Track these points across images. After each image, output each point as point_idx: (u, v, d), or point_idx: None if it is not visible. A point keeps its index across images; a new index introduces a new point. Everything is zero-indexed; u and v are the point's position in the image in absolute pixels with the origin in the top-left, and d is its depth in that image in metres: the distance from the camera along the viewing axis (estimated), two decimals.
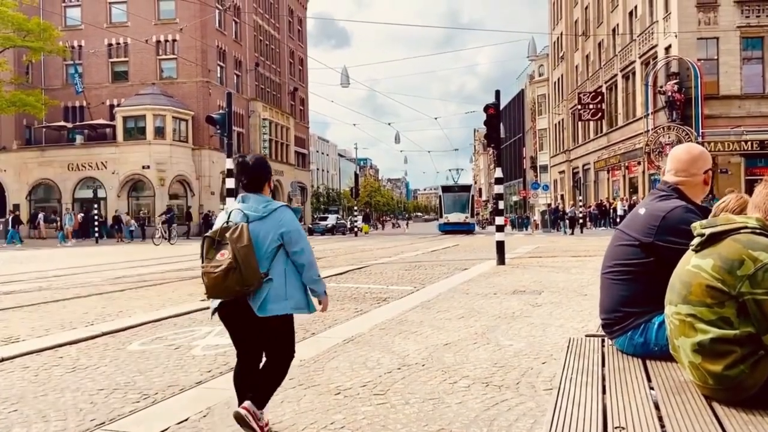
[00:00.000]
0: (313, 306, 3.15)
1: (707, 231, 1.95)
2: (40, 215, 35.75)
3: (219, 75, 43.48)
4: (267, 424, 3.02)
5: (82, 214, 36.60)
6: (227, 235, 2.98)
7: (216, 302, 3.06)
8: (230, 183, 10.67)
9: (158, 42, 41.21)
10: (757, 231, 1.91)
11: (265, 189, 3.20)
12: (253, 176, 3.17)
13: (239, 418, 2.88)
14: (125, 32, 40.28)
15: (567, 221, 34.47)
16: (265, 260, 2.98)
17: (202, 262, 3.05)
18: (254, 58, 48.63)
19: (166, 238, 28.81)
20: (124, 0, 41.30)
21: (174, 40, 41.13)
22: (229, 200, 10.75)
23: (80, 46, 41.65)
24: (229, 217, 3.09)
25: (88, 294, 9.17)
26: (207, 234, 3.11)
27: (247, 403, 2.93)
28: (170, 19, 41.15)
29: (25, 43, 33.13)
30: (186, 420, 3.31)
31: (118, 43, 41.20)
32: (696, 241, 1.99)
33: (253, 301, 2.95)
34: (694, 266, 1.95)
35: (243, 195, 3.17)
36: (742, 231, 1.90)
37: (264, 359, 3.11)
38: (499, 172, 13.19)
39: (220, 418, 3.34)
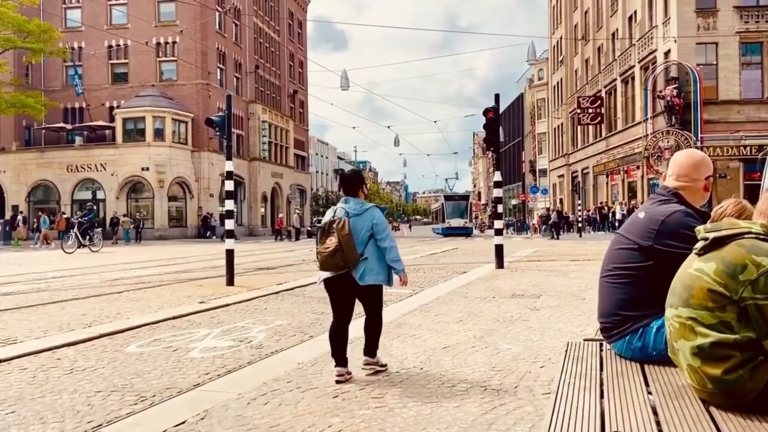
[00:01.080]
0: (393, 281, 4.37)
1: (711, 235, 1.96)
2: (20, 217, 35.48)
3: (219, 77, 43.51)
4: (383, 365, 4.38)
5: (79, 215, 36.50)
6: (334, 226, 4.15)
7: (324, 276, 4.22)
8: (229, 185, 10.65)
9: (158, 44, 41.26)
10: (761, 236, 1.91)
11: (359, 193, 4.36)
12: (351, 185, 4.35)
13: (338, 381, 4.07)
14: (125, 34, 40.33)
15: (550, 225, 34.48)
16: (360, 245, 4.16)
17: (317, 246, 4.24)
18: (254, 60, 48.67)
19: (84, 245, 23.80)
20: (124, 2, 41.37)
21: (174, 42, 41.17)
22: (228, 202, 10.74)
23: (80, 48, 41.69)
24: (335, 214, 4.25)
25: (86, 296, 9.16)
26: (319, 225, 4.30)
27: (338, 369, 4.13)
28: (170, 21, 41.20)
29: (25, 45, 33.16)
30: (183, 423, 3.30)
31: (118, 45, 41.25)
32: (699, 244, 2.00)
33: (355, 273, 4.15)
34: (696, 270, 1.95)
35: (345, 198, 4.35)
36: (746, 236, 1.90)
37: (365, 321, 4.37)
38: (498, 176, 13.20)
39: (218, 420, 3.34)
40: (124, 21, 41.25)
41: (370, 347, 4.38)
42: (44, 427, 3.33)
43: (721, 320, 1.87)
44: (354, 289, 4.21)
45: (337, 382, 4.04)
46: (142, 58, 40.96)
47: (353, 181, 4.37)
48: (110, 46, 41.58)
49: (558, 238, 30.63)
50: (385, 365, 4.40)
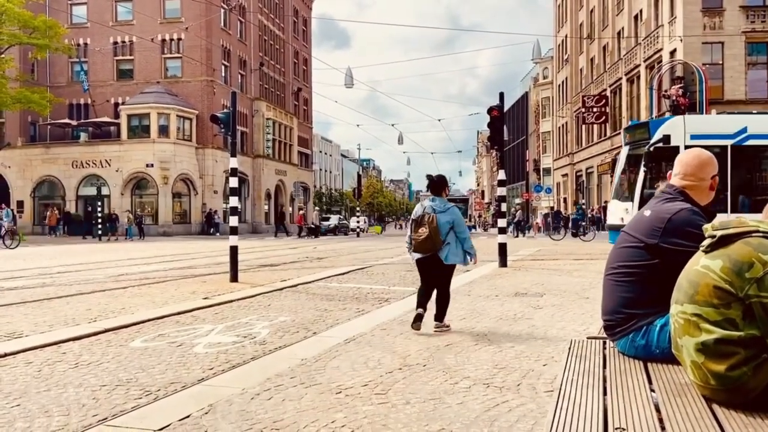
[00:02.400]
0: (468, 261, 5.91)
1: (719, 233, 1.96)
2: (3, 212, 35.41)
3: (223, 74, 43.57)
4: (448, 326, 5.76)
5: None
6: (425, 219, 5.68)
7: (416, 256, 5.77)
8: (233, 182, 10.67)
9: (163, 41, 41.33)
10: None
11: (443, 194, 5.88)
12: (438, 187, 5.86)
13: (416, 327, 5.59)
14: (131, 30, 40.41)
15: (515, 225, 34.44)
16: (443, 234, 5.63)
17: (411, 234, 5.77)
18: (259, 57, 48.69)
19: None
20: None
21: (179, 39, 41.23)
22: (232, 199, 10.76)
23: (86, 44, 41.79)
24: (424, 210, 5.75)
25: (91, 291, 9.20)
26: (413, 218, 5.83)
27: (419, 310, 5.66)
28: (175, 18, 41.26)
29: (30, 41, 33.26)
30: (188, 417, 3.32)
31: (124, 42, 41.33)
32: (707, 242, 2.00)
33: (441, 255, 5.66)
34: (703, 266, 1.96)
35: (432, 197, 5.84)
36: (753, 234, 1.91)
37: (437, 293, 5.80)
38: (502, 175, 13.20)
39: (222, 415, 3.35)
40: (129, 17, 41.33)
41: (440, 314, 5.75)
42: (49, 420, 3.36)
43: (726, 317, 1.88)
44: (437, 267, 5.73)
45: (417, 316, 5.60)
46: (147, 54, 41.04)
47: (439, 184, 5.89)
48: (115, 43, 41.67)
49: (557, 237, 30.52)
50: (449, 326, 5.77)
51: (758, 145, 15.67)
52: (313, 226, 39.26)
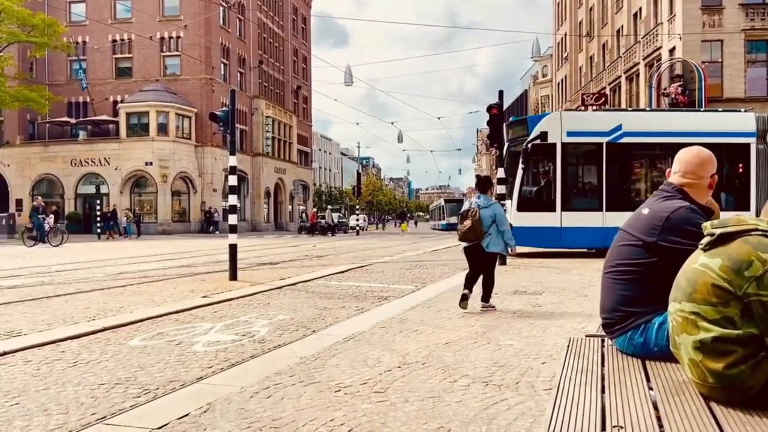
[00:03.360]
0: (507, 251, 7.11)
1: (718, 231, 1.96)
2: None
3: (222, 72, 43.53)
4: (493, 306, 6.79)
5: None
6: (469, 213, 6.70)
7: (463, 245, 6.89)
8: (232, 180, 10.66)
9: (162, 38, 41.29)
10: None
11: (488, 192, 6.98)
12: (484, 186, 7.02)
13: (462, 306, 6.71)
14: (129, 28, 40.39)
15: None
16: (486, 226, 6.66)
17: (459, 226, 6.90)
18: (258, 55, 48.64)
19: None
20: None
21: (178, 37, 41.19)
22: (231, 197, 10.75)
23: (84, 42, 41.73)
24: (470, 205, 6.79)
25: (90, 289, 9.20)
26: (461, 212, 6.90)
27: (467, 303, 6.71)
28: (174, 16, 41.21)
29: (29, 39, 33.22)
30: (186, 415, 3.32)
31: (122, 40, 41.30)
32: (705, 240, 2.00)
33: (483, 243, 6.71)
34: (701, 265, 1.95)
35: (478, 194, 6.96)
36: (753, 233, 1.91)
37: (482, 278, 6.88)
38: (501, 173, 13.19)
39: (221, 413, 3.35)
40: (128, 15, 41.28)
41: (485, 296, 6.85)
42: (48, 418, 3.35)
43: (724, 316, 1.88)
44: (480, 254, 6.80)
45: (463, 296, 6.72)
46: (146, 52, 41.00)
47: (484, 184, 7.07)
48: (114, 41, 41.63)
49: None
50: (494, 306, 6.78)
51: (632, 143, 15.42)
52: (326, 224, 39.46)
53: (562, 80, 54.57)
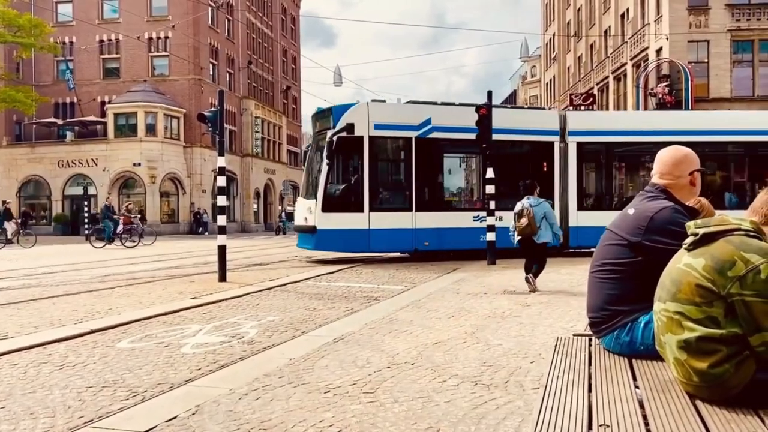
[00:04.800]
0: (557, 242, 8.74)
1: (701, 231, 1.97)
2: None
3: (211, 73, 43.33)
4: (536, 288, 8.25)
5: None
6: (524, 211, 8.30)
7: (518, 238, 8.49)
8: (221, 181, 10.62)
9: (150, 39, 41.02)
10: (751, 233, 1.93)
11: (534, 193, 8.60)
12: (530, 188, 8.72)
13: (527, 281, 8.39)
14: (117, 29, 40.11)
15: None
16: (538, 221, 8.26)
17: (515, 222, 8.47)
18: (247, 56, 48.48)
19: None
20: None
21: (166, 37, 40.95)
22: (220, 198, 10.71)
23: (71, 43, 41.38)
24: (523, 205, 8.37)
25: (78, 291, 9.13)
26: (515, 212, 8.50)
27: (530, 276, 8.37)
28: (162, 16, 40.95)
29: (15, 39, 32.90)
30: (175, 418, 3.31)
31: (110, 40, 40.99)
32: (689, 240, 2.01)
33: (535, 237, 8.33)
34: (685, 265, 1.97)
35: (527, 196, 8.59)
36: (735, 233, 1.92)
37: (537, 263, 8.55)
38: (490, 173, 13.23)
39: (209, 415, 3.34)
40: (115, 15, 40.99)
41: (536, 274, 8.45)
42: (35, 422, 3.33)
43: (708, 315, 1.89)
44: (532, 245, 8.45)
45: (526, 279, 8.41)
46: (133, 53, 40.72)
47: (531, 186, 8.81)
48: (102, 41, 41.29)
49: None
50: (537, 289, 8.28)
51: (442, 138, 14.67)
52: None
53: (550, 80, 54.81)
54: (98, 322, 6.42)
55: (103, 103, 40.64)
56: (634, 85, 33.36)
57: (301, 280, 10.41)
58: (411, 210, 14.33)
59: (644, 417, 1.80)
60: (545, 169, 15.41)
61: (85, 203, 35.10)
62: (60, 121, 40.82)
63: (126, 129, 39.20)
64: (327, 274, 11.61)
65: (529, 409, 3.28)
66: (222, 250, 10.47)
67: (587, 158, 15.91)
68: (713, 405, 1.89)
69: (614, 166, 16.49)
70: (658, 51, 31.09)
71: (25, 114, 38.30)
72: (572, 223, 15.37)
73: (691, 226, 2.05)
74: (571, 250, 15.54)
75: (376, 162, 14.50)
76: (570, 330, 5.38)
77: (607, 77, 38.72)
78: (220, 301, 7.93)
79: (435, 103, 15.71)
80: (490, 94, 13.72)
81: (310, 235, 14.12)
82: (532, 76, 62.22)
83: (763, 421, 1.77)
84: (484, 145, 13.19)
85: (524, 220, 8.28)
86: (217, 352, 4.99)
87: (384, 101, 15.95)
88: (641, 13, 33.88)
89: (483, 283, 9.59)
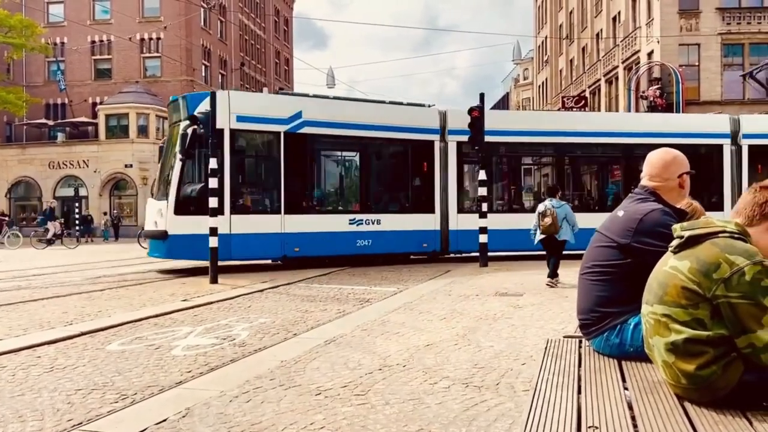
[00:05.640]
0: (575, 239, 9.33)
1: (686, 233, 1.98)
2: None
3: (204, 74, 43.21)
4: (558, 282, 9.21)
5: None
6: (547, 212, 9.17)
7: (540, 237, 9.36)
8: (213, 183, 10.57)
9: (142, 40, 40.87)
10: (735, 235, 1.94)
11: (556, 196, 9.60)
12: (553, 191, 9.78)
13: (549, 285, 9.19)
14: (109, 29, 39.92)
15: None
16: (560, 221, 9.17)
17: (537, 222, 9.31)
18: (239, 57, 48.39)
19: None
20: None
21: (158, 38, 40.81)
22: (212, 200, 10.66)
23: (63, 43, 41.17)
24: (545, 207, 9.27)
25: (68, 293, 9.07)
26: (539, 212, 9.33)
27: (548, 279, 9.25)
28: (154, 17, 40.82)
29: (6, 40, 32.71)
30: (165, 420, 3.29)
31: (102, 41, 40.80)
32: (675, 242, 2.03)
33: (557, 235, 9.21)
34: (671, 267, 1.98)
35: (549, 198, 9.50)
36: (720, 235, 1.93)
37: (554, 259, 9.34)
38: (483, 175, 13.25)
39: (200, 418, 3.33)
40: (107, 16, 40.83)
41: (552, 272, 9.25)
42: (23, 425, 3.30)
43: (695, 317, 1.91)
44: (555, 242, 9.28)
45: (549, 283, 9.21)
46: (125, 54, 40.55)
47: (554, 189, 9.89)
48: (93, 42, 41.11)
49: None
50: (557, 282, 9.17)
51: (315, 134, 13.27)
52: None
53: (543, 83, 55.00)
54: (88, 324, 6.38)
55: (94, 104, 40.45)
56: (626, 88, 33.54)
57: (294, 282, 10.40)
58: (280, 213, 12.97)
59: (633, 418, 1.81)
60: (425, 169, 14.57)
61: (77, 205, 34.91)
62: (51, 122, 40.58)
63: (117, 130, 39.02)
64: (319, 276, 11.60)
65: (519, 410, 3.28)
66: (214, 251, 10.44)
67: (468, 159, 14.90)
68: (701, 406, 1.91)
69: (498, 167, 15.81)
70: (650, 54, 31.27)
71: (16, 115, 38.06)
72: (452, 226, 14.59)
73: (677, 228, 2.07)
74: (451, 255, 14.92)
75: (239, 158, 13.02)
76: (561, 332, 5.39)
77: (599, 80, 38.91)
78: (211, 303, 7.90)
79: (307, 95, 14.39)
80: (482, 96, 13.74)
81: (161, 241, 12.41)
82: (525, 79, 62.42)
83: (750, 423, 1.78)
84: (476, 148, 13.18)
85: (548, 220, 9.15)
86: (208, 354, 4.98)
87: (250, 92, 15.16)
88: (633, 16, 34.07)
89: (475, 285, 9.60)
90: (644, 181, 2.70)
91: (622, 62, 34.88)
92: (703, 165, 15.61)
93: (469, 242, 14.05)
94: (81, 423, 3.31)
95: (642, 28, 32.15)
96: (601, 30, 39.08)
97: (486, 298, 7.96)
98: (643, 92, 30.61)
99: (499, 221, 14.17)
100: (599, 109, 39.22)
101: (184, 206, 12.24)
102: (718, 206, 15.10)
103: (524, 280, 10.10)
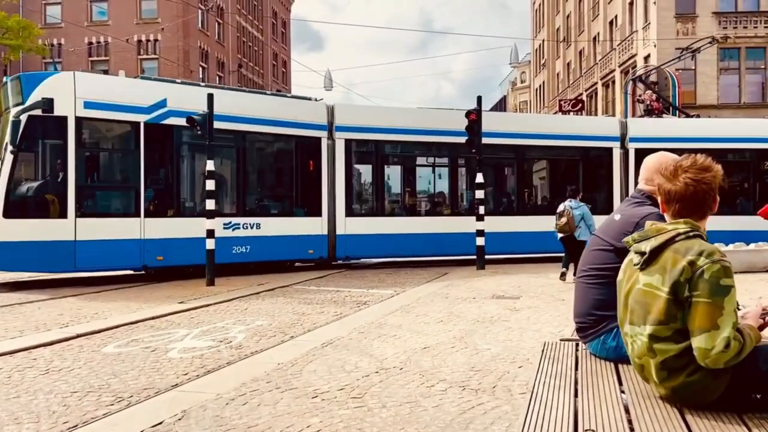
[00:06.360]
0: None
1: (647, 248, 2.00)
2: None
3: (201, 76, 43.15)
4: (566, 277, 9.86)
5: None
6: (564, 212, 9.96)
7: (559, 235, 10.02)
8: (210, 185, 10.56)
9: (139, 41, 40.83)
10: (691, 234, 1.96)
11: (576, 197, 10.32)
12: (573, 193, 10.56)
13: (562, 279, 10.09)
14: (106, 31, 39.86)
15: None
16: (576, 221, 9.80)
17: (556, 221, 10.10)
18: (237, 59, 48.39)
19: None
20: None
21: (156, 40, 40.78)
22: (209, 202, 10.64)
23: (60, 45, 41.11)
24: (564, 207, 10.02)
25: (63, 295, 9.04)
26: (558, 212, 10.16)
27: (563, 278, 10.01)
28: (152, 19, 40.79)
29: (3, 41, 32.62)
30: (160, 423, 3.28)
31: (99, 42, 40.73)
32: (637, 259, 2.04)
33: (575, 234, 9.77)
34: (645, 285, 1.99)
35: (570, 199, 10.21)
36: (677, 239, 1.95)
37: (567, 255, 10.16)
38: (480, 178, 13.25)
39: (196, 421, 3.32)
40: (104, 18, 40.80)
41: (565, 264, 10.09)
42: (19, 427, 3.29)
43: (675, 329, 1.92)
44: (572, 242, 9.72)
45: (561, 273, 10.03)
46: (123, 55, 40.49)
47: (575, 192, 10.59)
48: (90, 43, 41.06)
49: None
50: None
51: (182, 126, 11.06)
52: None
53: (540, 86, 55.10)
54: (84, 326, 6.37)
55: None
56: (622, 92, 33.61)
57: (291, 285, 10.38)
58: (139, 216, 11.21)
59: (629, 422, 1.82)
60: (311, 168, 13.28)
61: None
62: None
63: None
64: (316, 278, 11.58)
65: (516, 413, 3.28)
66: (210, 254, 10.42)
67: (357, 158, 14.04)
68: (698, 410, 1.91)
69: (388, 167, 14.70)
70: (646, 58, 31.36)
71: None
72: (340, 231, 13.25)
73: (629, 241, 2.09)
74: (339, 262, 13.66)
75: (88, 152, 11.27)
76: (558, 335, 5.40)
77: (596, 83, 39.00)
78: (208, 305, 7.89)
79: (174, 81, 12.82)
80: (479, 99, 13.76)
81: None
82: (522, 82, 62.50)
83: (747, 426, 1.78)
84: (473, 150, 13.18)
85: (563, 220, 9.89)
86: (205, 356, 4.96)
87: (108, 75, 12.98)
88: (629, 20, 34.18)
89: (472, 287, 9.60)
90: (641, 185, 2.71)
91: (619, 66, 34.97)
92: (594, 168, 15.52)
93: (358, 248, 13.38)
94: (77, 425, 3.30)
95: (639, 32, 32.25)
96: (598, 33, 39.19)
97: (483, 301, 7.96)
98: (640, 96, 30.68)
99: (395, 225, 13.75)
100: (596, 113, 39.32)
101: (17, 208, 10.46)
102: (608, 210, 14.47)
103: (521, 283, 10.10)
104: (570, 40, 45.08)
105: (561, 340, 2.92)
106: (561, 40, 46.96)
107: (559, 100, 43.34)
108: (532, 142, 14.98)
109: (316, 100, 14.10)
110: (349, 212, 13.62)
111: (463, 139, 13.22)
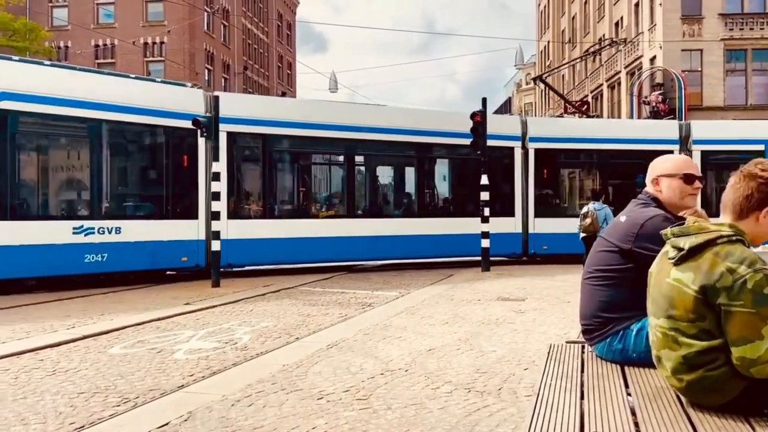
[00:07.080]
0: None
1: (686, 244, 1.96)
2: None
3: (207, 78, 43.30)
4: None
5: None
6: (588, 213, 11.29)
7: (582, 235, 11.31)
8: (216, 186, 10.59)
9: (146, 44, 41.01)
10: (733, 238, 1.93)
11: (600, 199, 11.76)
12: (597, 195, 12.26)
13: None
14: (112, 33, 40.04)
15: None
16: (600, 222, 10.98)
17: (580, 222, 11.45)
18: (242, 61, 48.53)
19: None
20: (111, 1, 41.12)
21: (162, 42, 40.94)
22: (215, 203, 10.66)
23: (66, 47, 41.34)
24: (588, 209, 11.41)
25: (70, 297, 9.08)
26: (582, 213, 11.61)
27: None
28: (158, 21, 40.97)
29: (10, 43, 32.79)
30: (167, 424, 3.29)
31: (105, 45, 40.95)
32: (674, 253, 2.01)
33: (599, 234, 7.83)
34: (675, 280, 1.97)
35: (594, 201, 11.78)
36: (718, 241, 1.93)
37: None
38: (485, 179, 13.24)
39: (202, 422, 3.33)
40: (111, 20, 41.00)
41: None
42: (26, 428, 3.31)
43: (702, 329, 1.90)
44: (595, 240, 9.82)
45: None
46: (129, 58, 40.67)
47: (598, 193, 12.10)
48: (97, 46, 41.28)
49: None
50: None
51: (22, 112, 9.62)
52: None
53: (545, 87, 55.02)
54: (91, 327, 6.39)
55: None
56: (628, 93, 33.54)
57: (296, 286, 10.39)
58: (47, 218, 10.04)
59: (636, 424, 1.81)
60: (186, 164, 11.55)
61: None
62: None
63: None
64: (322, 280, 11.60)
65: (522, 416, 3.28)
66: (216, 255, 10.45)
67: (242, 154, 12.65)
68: (704, 412, 1.90)
69: (277, 163, 13.35)
70: (652, 59, 31.28)
71: None
72: (223, 235, 10.93)
73: (668, 234, 2.06)
74: (232, 268, 12.04)
75: None
76: (563, 337, 5.38)
77: (602, 85, 38.93)
78: (213, 306, 7.91)
79: (11, 59, 10.52)
80: (484, 101, 13.73)
81: None
82: (527, 84, 62.44)
83: (753, 429, 1.77)
84: (478, 152, 13.16)
85: (588, 220, 10.93)
86: (210, 358, 4.98)
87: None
88: (635, 21, 34.10)
89: (477, 289, 9.59)
90: (648, 186, 2.71)
91: (625, 67, 34.89)
92: (497, 168, 14.67)
93: (243, 254, 11.89)
94: (83, 426, 3.32)
95: (645, 34, 32.17)
96: (604, 35, 39.08)
97: (488, 303, 7.95)
98: (646, 97, 30.61)
99: (284, 228, 12.62)
100: (602, 115, 39.25)
101: None
102: (510, 212, 14.65)
103: (526, 285, 10.08)
104: (575, 42, 45.01)
105: (567, 342, 2.91)
106: (566, 42, 46.89)
107: (565, 102, 43.33)
108: (439, 140, 14.37)
109: (193, 86, 12.51)
110: (233, 214, 12.05)
111: (355, 135, 12.91)
